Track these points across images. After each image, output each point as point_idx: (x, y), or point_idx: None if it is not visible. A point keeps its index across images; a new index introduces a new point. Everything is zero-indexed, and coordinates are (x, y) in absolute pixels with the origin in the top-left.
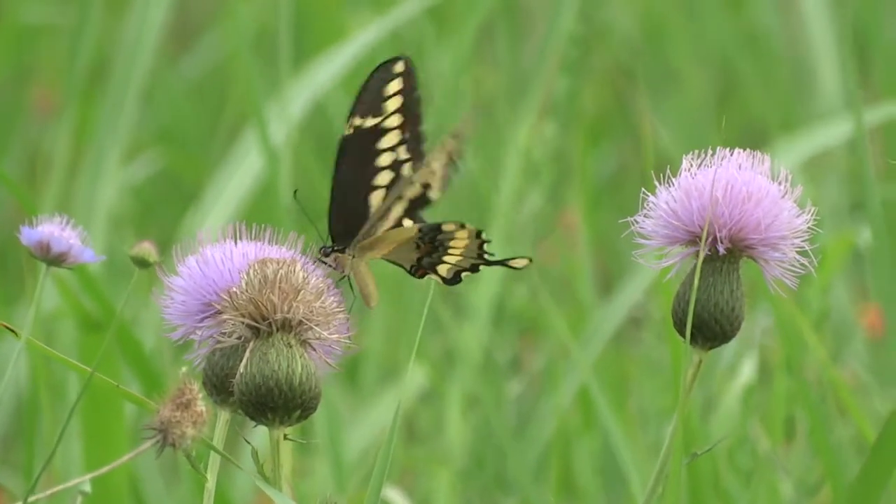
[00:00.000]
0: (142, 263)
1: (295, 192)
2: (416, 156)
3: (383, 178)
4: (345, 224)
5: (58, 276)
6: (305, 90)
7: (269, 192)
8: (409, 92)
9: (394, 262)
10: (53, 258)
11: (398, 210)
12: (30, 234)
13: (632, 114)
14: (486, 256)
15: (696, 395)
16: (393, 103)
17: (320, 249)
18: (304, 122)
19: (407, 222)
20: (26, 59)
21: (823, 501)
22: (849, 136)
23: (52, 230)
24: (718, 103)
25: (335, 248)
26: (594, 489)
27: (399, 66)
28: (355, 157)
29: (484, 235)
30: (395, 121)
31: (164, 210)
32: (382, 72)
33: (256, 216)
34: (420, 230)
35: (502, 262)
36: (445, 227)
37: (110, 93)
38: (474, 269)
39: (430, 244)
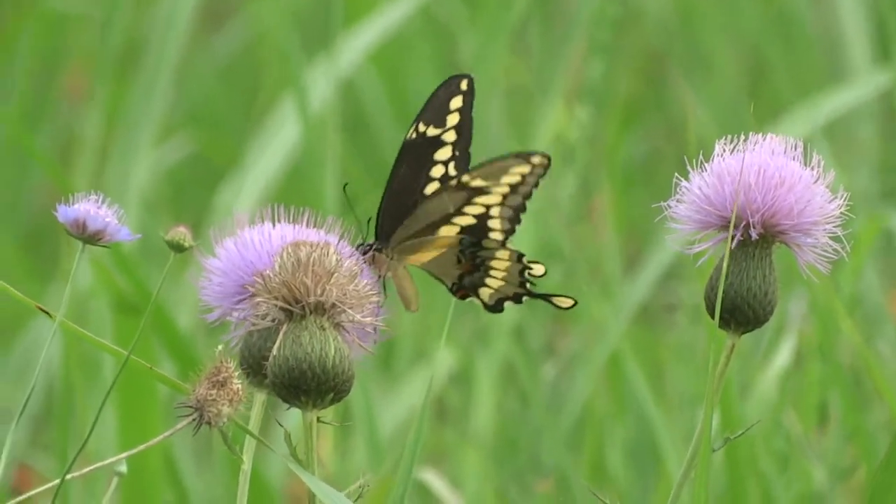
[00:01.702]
0: (177, 248)
1: (345, 185)
2: (461, 174)
3: (431, 188)
4: (391, 225)
5: (93, 257)
6: (335, 64)
7: (307, 159)
8: (466, 111)
9: (435, 277)
10: (89, 236)
11: (448, 232)
12: (66, 212)
13: (664, 98)
14: (528, 285)
15: (734, 380)
16: (452, 118)
17: (358, 247)
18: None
19: None
20: (59, 43)
21: (856, 485)
22: (870, 97)
23: (89, 208)
24: (750, 87)
25: (374, 246)
26: (626, 471)
27: (464, 84)
28: (413, 162)
29: (525, 260)
30: (451, 136)
31: (196, 192)
32: (449, 85)
33: (290, 188)
34: (461, 240)
35: (546, 297)
36: (486, 244)
37: (142, 75)
38: (517, 298)
39: (472, 261)
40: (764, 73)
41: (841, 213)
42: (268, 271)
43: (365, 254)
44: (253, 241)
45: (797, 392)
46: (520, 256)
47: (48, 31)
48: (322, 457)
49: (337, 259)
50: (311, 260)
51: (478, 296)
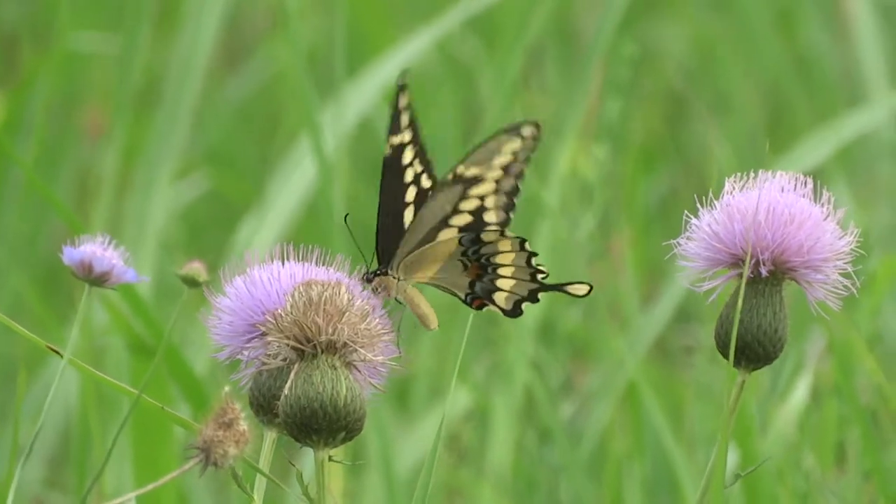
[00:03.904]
0: (191, 283)
1: (346, 216)
2: (426, 166)
3: (410, 194)
4: (387, 245)
5: (106, 299)
6: (351, 104)
7: (322, 201)
8: (410, 105)
9: (447, 291)
10: (95, 278)
11: (447, 236)
12: (72, 254)
13: (683, 138)
14: (539, 277)
15: (754, 418)
16: (404, 118)
17: (362, 276)
18: (349, 140)
19: None
20: (77, 82)
21: None
22: (885, 120)
23: (94, 250)
24: (769, 127)
25: (377, 271)
26: None
27: (403, 101)
28: (392, 176)
29: (528, 246)
30: (408, 135)
31: (213, 232)
32: (398, 100)
33: (308, 227)
34: (460, 240)
35: (560, 287)
36: (485, 237)
37: (160, 114)
38: (533, 297)
39: (477, 261)
40: (784, 112)
41: (852, 249)
42: (279, 310)
43: (370, 281)
44: (262, 280)
45: (816, 430)
46: (522, 242)
47: (66, 70)
48: (335, 495)
49: (349, 298)
50: (323, 299)
51: (493, 302)
